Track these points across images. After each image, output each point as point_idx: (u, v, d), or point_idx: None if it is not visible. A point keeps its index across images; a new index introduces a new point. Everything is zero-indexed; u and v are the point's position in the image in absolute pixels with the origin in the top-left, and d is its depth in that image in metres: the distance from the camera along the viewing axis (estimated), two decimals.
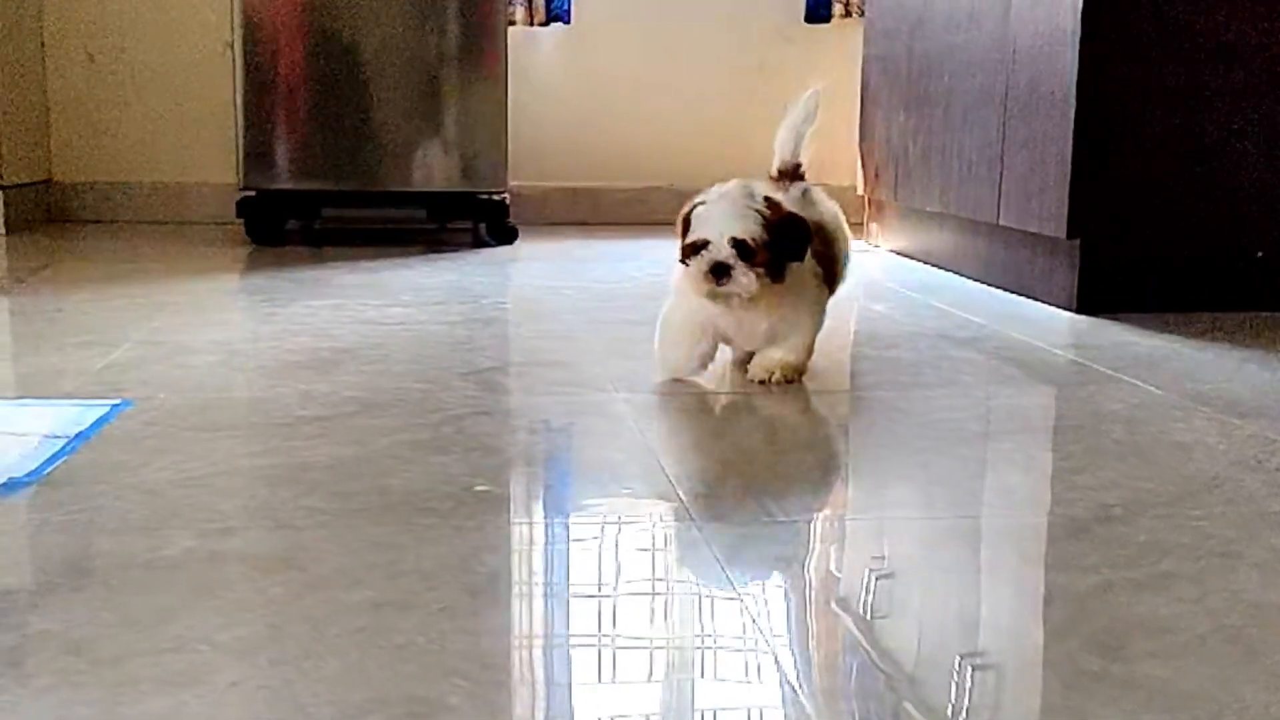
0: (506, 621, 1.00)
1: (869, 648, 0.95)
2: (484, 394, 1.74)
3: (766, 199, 1.71)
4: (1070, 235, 2.42)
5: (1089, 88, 2.37)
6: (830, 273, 1.88)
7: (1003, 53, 2.67)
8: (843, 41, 4.06)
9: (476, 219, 3.65)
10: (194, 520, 1.18)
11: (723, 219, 1.68)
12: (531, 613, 1.03)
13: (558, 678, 0.90)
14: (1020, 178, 2.58)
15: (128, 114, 3.98)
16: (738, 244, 1.67)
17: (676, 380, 1.79)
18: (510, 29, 3.64)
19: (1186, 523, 1.22)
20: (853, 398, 1.83)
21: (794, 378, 1.80)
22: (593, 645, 0.96)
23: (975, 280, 2.89)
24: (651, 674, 0.93)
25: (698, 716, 0.86)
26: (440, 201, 3.57)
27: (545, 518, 1.26)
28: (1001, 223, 2.68)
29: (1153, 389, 1.80)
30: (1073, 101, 2.38)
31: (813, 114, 1.93)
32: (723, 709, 0.87)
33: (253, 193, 3.45)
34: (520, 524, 1.23)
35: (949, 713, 0.85)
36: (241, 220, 3.48)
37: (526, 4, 3.99)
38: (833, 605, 1.04)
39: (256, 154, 3.43)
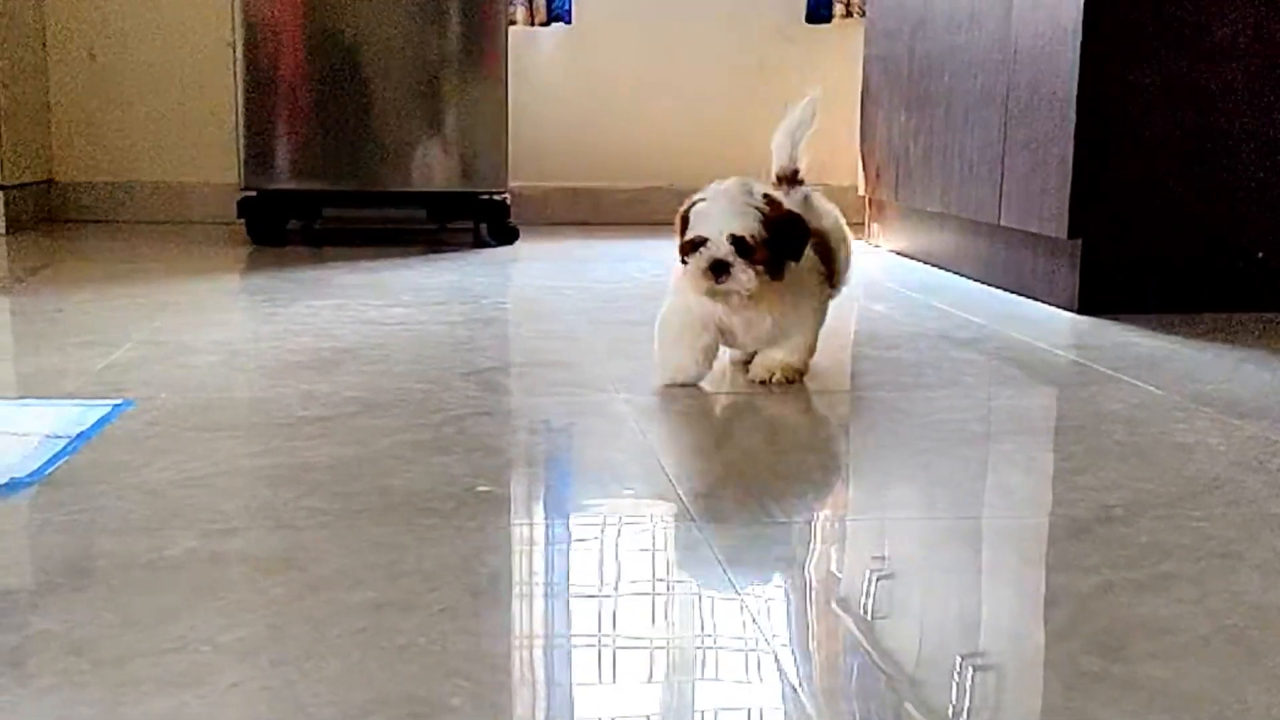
0: (508, 622, 1.00)
1: (870, 648, 0.95)
2: (485, 394, 1.74)
3: (766, 196, 1.71)
4: (1071, 235, 2.42)
5: (1090, 88, 2.37)
6: (832, 278, 1.87)
7: (1004, 53, 2.67)
8: (844, 41, 4.06)
9: (477, 219, 3.65)
10: (195, 520, 1.18)
11: (722, 216, 1.68)
12: (533, 613, 1.03)
13: (559, 678, 0.90)
14: (1021, 178, 2.58)
15: (129, 114, 3.98)
16: (737, 241, 1.66)
17: (677, 385, 1.77)
18: (511, 29, 3.64)
19: (1187, 524, 1.22)
20: (854, 398, 1.83)
21: (795, 379, 1.80)
22: (594, 646, 0.96)
23: (976, 280, 2.89)
24: (652, 675, 0.93)
25: (698, 717, 0.86)
26: (441, 201, 3.57)
27: (546, 518, 1.26)
28: (1002, 223, 2.68)
29: (1154, 389, 1.80)
30: (1074, 102, 2.38)
31: (809, 120, 1.92)
32: (723, 709, 0.87)
33: (254, 193, 3.45)
34: (521, 524, 1.23)
35: (950, 713, 0.85)
36: (242, 220, 3.48)
37: (527, 4, 3.99)
38: (834, 606, 1.04)
39: (257, 154, 3.43)
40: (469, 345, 2.07)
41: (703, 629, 1.00)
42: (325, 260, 3.14)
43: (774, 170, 1.91)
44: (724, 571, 1.09)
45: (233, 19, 3.41)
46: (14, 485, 1.27)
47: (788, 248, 1.70)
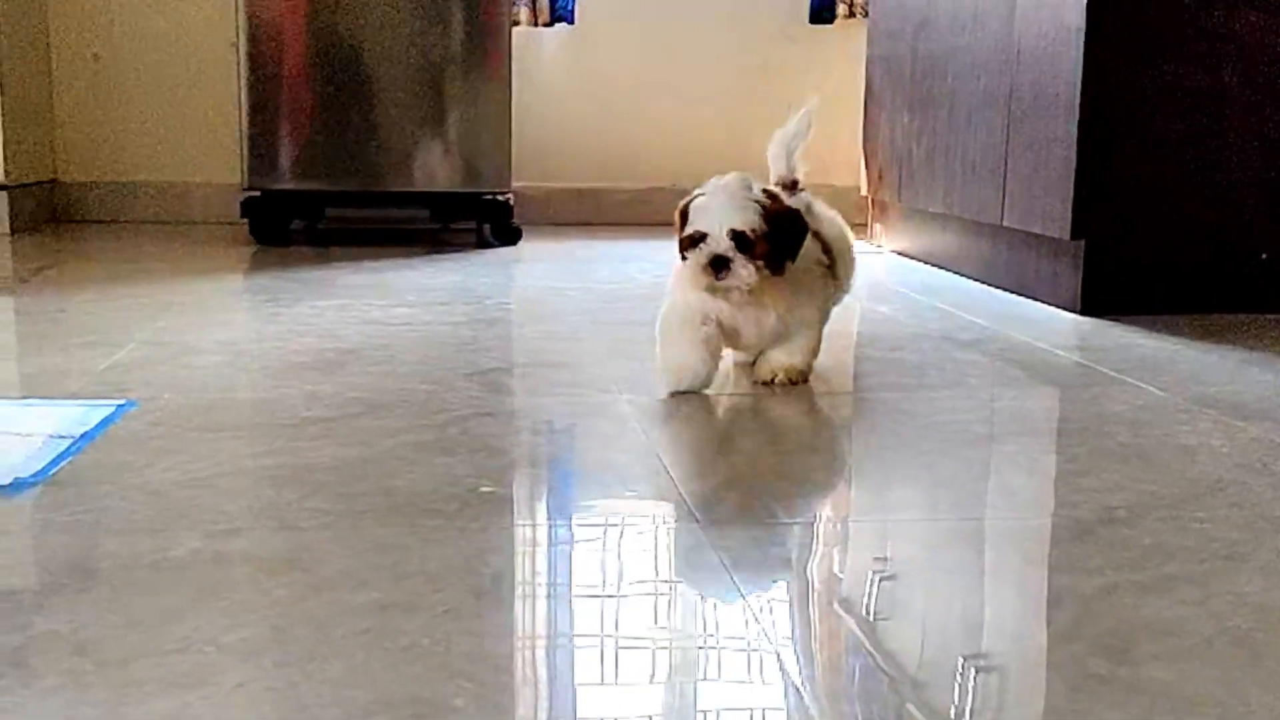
0: (511, 623, 1.00)
1: (873, 649, 0.95)
2: (488, 395, 1.74)
3: (766, 191, 1.71)
4: (1074, 236, 2.42)
5: (1093, 89, 2.37)
6: (835, 282, 1.87)
7: (1007, 54, 2.67)
8: (846, 42, 4.06)
9: (480, 219, 3.65)
10: (199, 521, 1.18)
11: (721, 211, 1.67)
12: (536, 614, 1.03)
13: (562, 679, 0.90)
14: (1024, 179, 2.58)
15: (132, 114, 3.98)
16: (736, 236, 1.65)
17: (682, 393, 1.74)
18: (514, 29, 3.64)
19: (1191, 525, 1.22)
20: (856, 399, 1.83)
21: (799, 380, 1.80)
22: (597, 646, 0.96)
23: (979, 281, 2.89)
24: (655, 675, 0.93)
25: (701, 718, 0.86)
26: (444, 202, 3.57)
27: (549, 519, 1.26)
28: (1005, 224, 2.68)
29: (1157, 391, 1.80)
30: (1077, 103, 2.38)
31: (804, 131, 1.91)
32: (726, 710, 0.87)
33: (257, 193, 3.45)
34: (524, 525, 1.23)
35: (952, 715, 0.85)
36: (246, 220, 3.49)
37: (531, 4, 3.99)
38: (836, 607, 1.04)
39: (261, 154, 3.43)
40: (472, 346, 2.07)
41: (705, 630, 1.00)
42: (329, 260, 3.14)
43: (772, 180, 1.91)
44: (727, 572, 1.09)
45: (236, 20, 3.41)
46: (18, 485, 1.28)
47: (787, 245, 1.70)
